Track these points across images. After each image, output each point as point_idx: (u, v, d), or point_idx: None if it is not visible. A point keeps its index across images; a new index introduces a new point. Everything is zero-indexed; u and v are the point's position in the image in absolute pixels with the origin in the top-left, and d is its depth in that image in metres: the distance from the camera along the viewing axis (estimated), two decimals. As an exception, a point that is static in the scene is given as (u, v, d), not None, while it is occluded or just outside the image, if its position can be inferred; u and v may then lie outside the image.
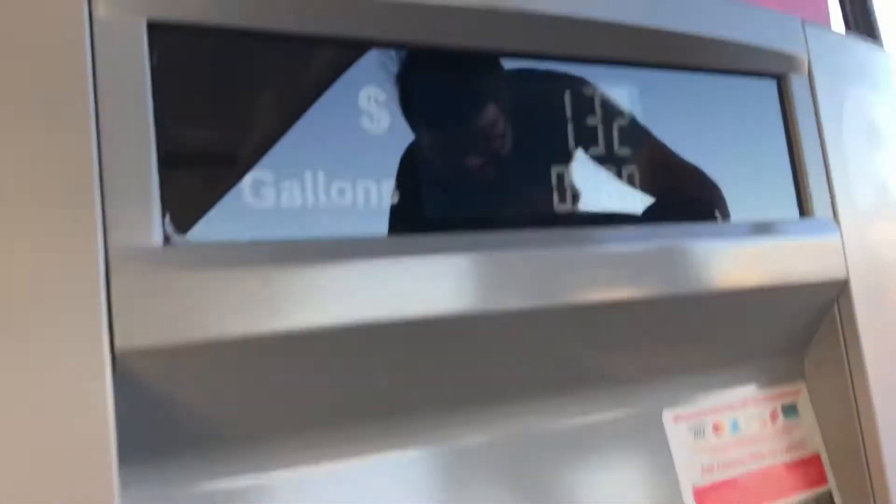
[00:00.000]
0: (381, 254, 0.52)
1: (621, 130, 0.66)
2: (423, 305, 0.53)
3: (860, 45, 0.89)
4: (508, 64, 0.61)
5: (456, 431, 0.59)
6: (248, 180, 0.50)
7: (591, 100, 0.65)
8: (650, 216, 0.66)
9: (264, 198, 0.50)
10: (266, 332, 0.47)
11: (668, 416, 0.69)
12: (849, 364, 0.77)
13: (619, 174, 0.65)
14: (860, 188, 0.79)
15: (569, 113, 0.63)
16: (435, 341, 0.54)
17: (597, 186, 0.64)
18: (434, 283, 0.53)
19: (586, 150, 0.64)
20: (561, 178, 0.62)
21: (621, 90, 0.66)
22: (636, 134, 0.66)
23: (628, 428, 0.66)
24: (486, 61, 0.60)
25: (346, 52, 0.55)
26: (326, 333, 0.48)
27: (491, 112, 0.60)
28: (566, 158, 0.63)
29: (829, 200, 0.76)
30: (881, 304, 0.78)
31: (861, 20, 0.97)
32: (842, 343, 0.77)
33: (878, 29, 0.99)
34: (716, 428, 0.71)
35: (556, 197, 0.62)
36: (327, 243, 0.51)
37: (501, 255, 0.56)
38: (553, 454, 0.61)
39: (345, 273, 0.50)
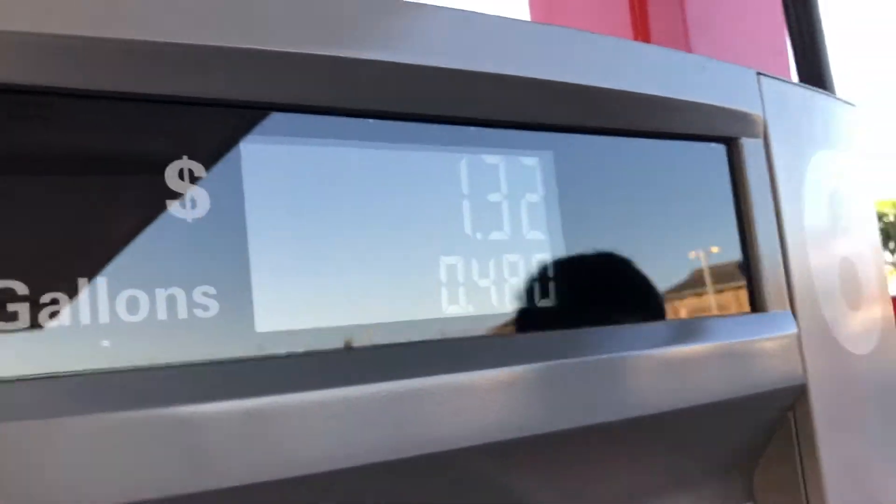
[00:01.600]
0: (185, 397, 0.37)
1: (532, 209, 0.52)
2: (287, 466, 0.39)
3: (825, 99, 0.77)
4: (379, 128, 0.47)
5: None
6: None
7: (496, 172, 0.51)
8: (564, 320, 0.52)
9: (13, 318, 0.36)
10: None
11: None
12: (804, 483, 0.65)
13: (528, 265, 0.52)
14: (822, 274, 0.67)
15: (465, 189, 0.50)
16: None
17: (500, 280, 0.50)
18: (291, 441, 0.39)
19: (487, 234, 0.51)
20: (453, 271, 0.49)
21: (532, 159, 0.53)
22: (552, 214, 0.53)
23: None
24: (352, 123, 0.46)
25: (158, 113, 0.41)
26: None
27: (357, 188, 0.46)
28: (460, 246, 0.49)
29: (787, 290, 0.63)
30: (843, 414, 0.66)
31: (814, 73, 0.86)
32: (797, 459, 0.64)
33: (831, 81, 0.88)
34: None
35: (444, 296, 0.48)
36: (105, 379, 0.37)
37: (358, 391, 0.42)
38: None
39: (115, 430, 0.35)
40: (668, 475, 0.61)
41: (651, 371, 0.54)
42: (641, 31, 1.14)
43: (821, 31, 0.89)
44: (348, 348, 0.44)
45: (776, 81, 0.68)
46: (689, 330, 0.58)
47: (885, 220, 16.23)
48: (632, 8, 1.15)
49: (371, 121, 0.46)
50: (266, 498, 0.39)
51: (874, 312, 0.74)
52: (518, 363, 0.47)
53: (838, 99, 0.80)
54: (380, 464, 0.41)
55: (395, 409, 0.42)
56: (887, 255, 15.90)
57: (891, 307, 0.78)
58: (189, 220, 0.40)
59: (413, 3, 0.49)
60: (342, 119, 0.45)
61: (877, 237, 0.77)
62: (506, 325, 0.50)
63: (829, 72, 0.87)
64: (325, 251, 0.44)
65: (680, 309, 0.59)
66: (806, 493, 0.65)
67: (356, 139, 0.45)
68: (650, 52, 0.59)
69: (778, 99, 0.68)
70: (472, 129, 0.50)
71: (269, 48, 0.42)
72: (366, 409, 0.41)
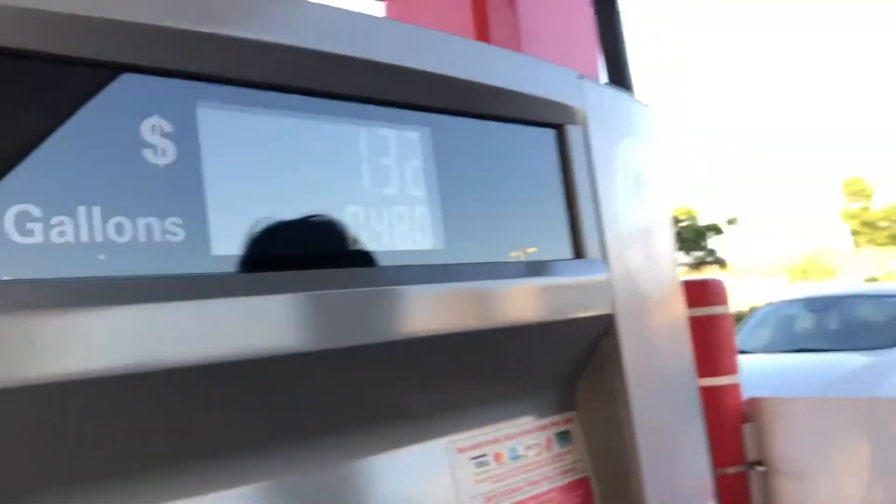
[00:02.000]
0: (161, 297, 0.50)
1: (413, 171, 0.68)
2: (208, 349, 0.51)
3: (629, 99, 0.98)
4: (303, 102, 0.61)
5: (243, 476, 0.58)
6: (10, 214, 0.46)
7: (385, 141, 0.66)
8: (441, 256, 0.68)
9: (30, 233, 0.46)
10: (25, 380, 0.43)
11: (452, 448, 0.71)
12: (615, 393, 0.84)
13: (410, 214, 0.67)
14: (627, 231, 0.87)
15: (363, 153, 0.64)
16: (219, 385, 0.53)
17: (389, 226, 0.65)
18: (220, 326, 0.51)
19: (379, 190, 0.65)
20: (354, 217, 0.63)
21: (413, 133, 0.68)
22: (428, 175, 0.68)
23: (417, 461, 0.67)
24: (286, 97, 0.60)
25: (130, 79, 0.52)
26: (95, 382, 0.45)
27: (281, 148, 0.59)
28: (359, 198, 0.64)
29: (600, 243, 0.82)
30: (643, 338, 0.86)
31: (618, 74, 1.08)
32: (608, 374, 0.83)
33: (631, 82, 1.11)
34: (497, 457, 0.75)
35: (347, 236, 0.62)
36: (102, 283, 0.48)
37: (289, 297, 0.55)
38: (349, 489, 0.61)
39: (118, 316, 0.47)
40: (512, 385, 0.78)
41: (495, 296, 0.70)
42: (482, 39, 1.33)
43: (624, 46, 1.10)
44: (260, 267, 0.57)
45: (592, 82, 0.88)
46: (525, 269, 0.75)
47: (676, 224, 17.76)
48: (475, 21, 1.34)
49: (295, 96, 0.60)
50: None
51: (664, 267, 0.95)
52: (387, 284, 0.63)
53: (637, 100, 1.01)
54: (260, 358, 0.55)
55: (287, 310, 0.56)
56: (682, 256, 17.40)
57: (675, 266, 1.00)
58: (160, 165, 0.52)
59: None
60: (274, 94, 0.58)
61: (668, 208, 0.99)
62: (394, 257, 0.65)
63: (630, 78, 1.08)
64: (262, 196, 0.57)
65: (522, 254, 0.76)
66: (617, 403, 0.84)
67: (285, 109, 0.59)
68: (500, 53, 0.76)
69: (593, 96, 0.87)
70: (371, 107, 0.64)
71: (204, 30, 0.55)
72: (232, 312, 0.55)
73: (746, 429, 2.83)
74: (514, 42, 1.31)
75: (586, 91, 0.86)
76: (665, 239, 0.96)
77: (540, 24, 1.37)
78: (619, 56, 1.10)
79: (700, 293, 2.71)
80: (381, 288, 0.62)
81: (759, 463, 2.81)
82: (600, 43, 1.11)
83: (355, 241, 0.63)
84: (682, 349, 0.96)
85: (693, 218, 18.59)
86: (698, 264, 17.16)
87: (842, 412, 2.77)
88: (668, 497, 0.87)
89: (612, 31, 1.11)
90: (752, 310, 8.24)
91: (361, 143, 0.64)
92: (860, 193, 38.95)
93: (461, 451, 0.72)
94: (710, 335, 2.65)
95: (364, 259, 0.63)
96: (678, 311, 0.98)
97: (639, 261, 0.88)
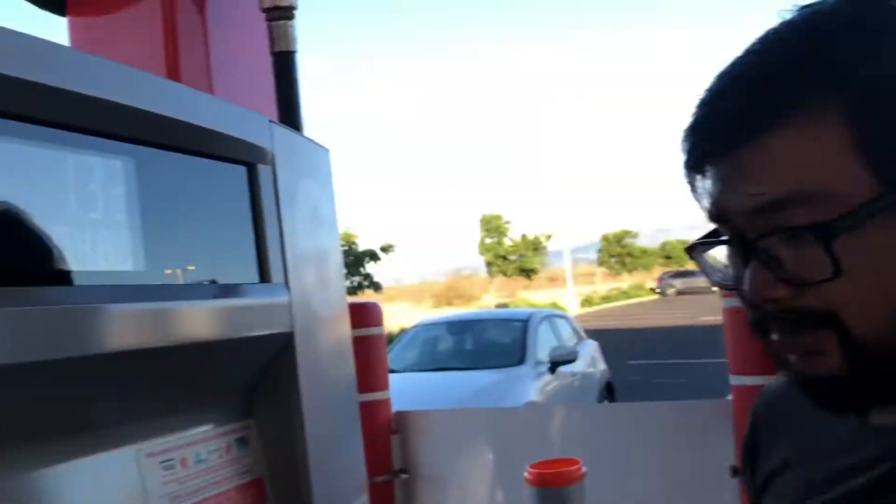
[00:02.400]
0: None
1: (115, 198, 0.73)
2: None
3: (311, 143, 1.11)
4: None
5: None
6: None
7: (91, 169, 0.71)
8: (138, 277, 0.74)
9: None
10: None
11: (142, 454, 0.77)
12: (290, 403, 0.95)
13: (111, 238, 0.72)
14: (306, 260, 0.99)
15: (70, 179, 0.69)
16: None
17: (90, 248, 0.70)
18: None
19: (84, 214, 0.70)
20: (61, 239, 0.67)
21: (117, 162, 0.74)
22: (129, 202, 0.75)
23: (109, 466, 0.72)
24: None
25: None
26: None
27: None
28: (64, 221, 0.68)
29: (283, 269, 0.94)
30: (316, 354, 0.99)
31: (291, 118, 1.22)
32: (285, 386, 0.95)
33: (301, 122, 1.26)
34: (182, 462, 0.82)
35: (46, 255, 0.66)
36: None
37: None
38: (44, 496, 0.65)
39: None
40: (200, 395, 0.86)
41: (184, 315, 0.79)
42: (173, 77, 1.38)
43: (298, 94, 1.25)
44: None
45: (281, 127, 0.99)
46: (215, 290, 0.84)
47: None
48: (167, 58, 1.39)
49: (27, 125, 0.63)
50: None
51: (335, 291, 1.09)
52: (83, 302, 0.69)
53: (318, 144, 1.14)
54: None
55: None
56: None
57: (344, 291, 1.15)
58: None
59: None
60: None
61: (338, 239, 1.13)
62: (93, 277, 0.70)
63: (301, 123, 1.23)
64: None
65: (212, 276, 0.85)
66: (291, 411, 0.96)
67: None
68: (202, 96, 0.85)
69: (281, 139, 0.99)
70: (82, 136, 0.69)
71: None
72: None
73: (394, 440, 3.10)
74: (203, 79, 1.38)
75: (276, 135, 0.97)
76: (336, 266, 1.11)
77: (228, 67, 1.45)
78: (294, 103, 1.24)
79: (359, 315, 2.94)
80: (78, 305, 0.67)
81: (404, 471, 3.10)
82: (277, 95, 1.24)
83: (53, 259, 0.67)
84: (348, 366, 1.11)
85: (353, 244, 19.41)
86: (356, 288, 17.93)
87: (471, 421, 3.17)
88: (331, 496, 1.00)
89: (288, 80, 1.25)
90: (401, 331, 8.86)
91: (67, 169, 0.69)
92: (495, 229, 43.69)
93: (150, 456, 0.78)
94: (367, 354, 2.88)
95: (62, 278, 0.68)
96: (345, 331, 1.12)
97: (315, 285, 1.01)
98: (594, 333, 10.61)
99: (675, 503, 2.66)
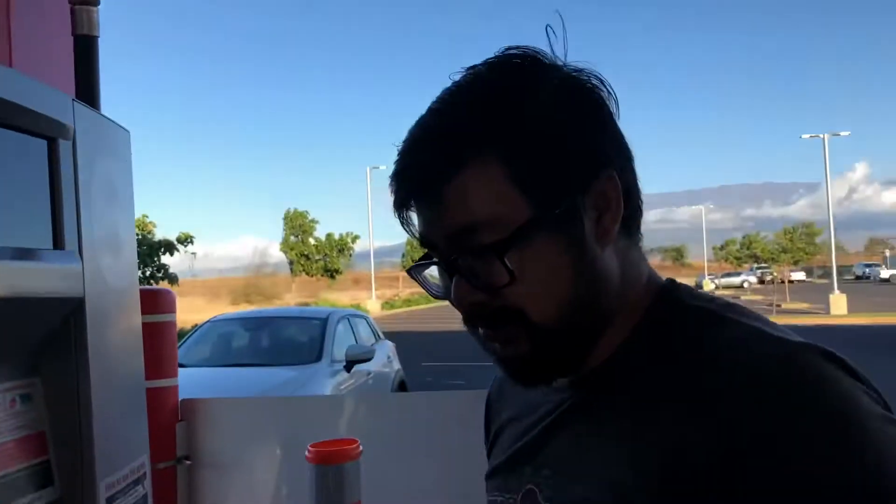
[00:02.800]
0: None
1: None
2: None
3: (111, 124, 1.18)
4: None
5: None
6: None
7: None
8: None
9: None
10: None
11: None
12: (77, 361, 1.02)
13: None
14: (100, 234, 1.06)
15: None
16: None
17: None
18: None
19: None
20: None
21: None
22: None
23: None
24: None
25: None
26: None
27: None
28: None
29: (77, 239, 1.01)
30: (107, 320, 1.07)
31: (89, 96, 1.28)
32: (73, 345, 1.02)
33: (99, 103, 1.32)
34: (-33, 411, 0.87)
35: None
36: None
37: None
38: None
39: None
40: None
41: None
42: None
43: (97, 76, 1.31)
44: None
45: (83, 106, 1.06)
46: (10, 254, 0.90)
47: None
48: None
49: None
50: None
51: (128, 268, 1.16)
52: None
53: (119, 125, 1.21)
54: None
55: None
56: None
57: (136, 269, 1.22)
58: None
59: None
60: None
61: (131, 219, 1.21)
62: None
63: (99, 103, 1.29)
64: None
65: (12, 242, 0.91)
66: (77, 370, 1.02)
67: None
68: (8, 72, 0.90)
69: (83, 117, 1.05)
70: None
71: None
72: None
73: (180, 427, 3.10)
74: (4, 57, 1.39)
75: (77, 112, 1.04)
76: (130, 245, 1.18)
77: (32, 48, 1.46)
78: (93, 84, 1.30)
79: (151, 301, 2.91)
80: None
81: (187, 457, 3.10)
82: (77, 72, 1.29)
83: None
84: (135, 342, 1.19)
85: (149, 233, 18.50)
86: (150, 279, 17.10)
87: (257, 410, 3.23)
88: (112, 448, 1.08)
89: (89, 63, 1.30)
90: (195, 326, 8.63)
91: None
92: (300, 227, 43.15)
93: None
94: (157, 340, 2.86)
95: None
96: (135, 303, 1.20)
97: (107, 257, 1.09)
98: (394, 336, 10.89)
99: (448, 482, 2.88)
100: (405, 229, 0.77)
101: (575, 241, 0.72)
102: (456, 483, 2.89)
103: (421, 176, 0.73)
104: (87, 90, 1.29)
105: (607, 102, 0.76)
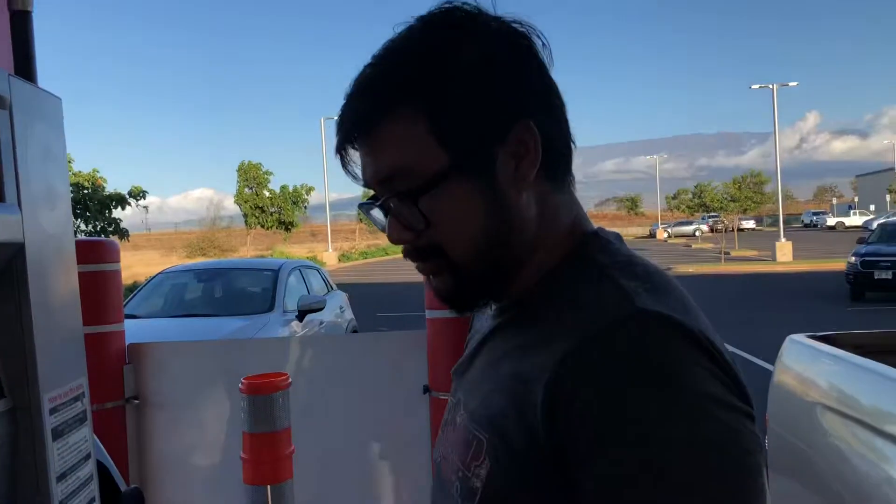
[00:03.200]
0: None
1: None
2: None
3: (44, 94, 1.35)
4: None
5: None
6: None
7: None
8: None
9: None
10: None
11: None
12: (19, 299, 1.21)
13: None
14: (37, 189, 1.25)
15: None
16: None
17: None
18: None
19: None
20: None
21: None
22: None
23: None
24: None
25: None
26: None
27: None
28: None
29: (16, 193, 1.19)
30: (45, 261, 1.25)
31: (25, 68, 1.44)
32: (16, 284, 1.20)
33: (35, 75, 1.48)
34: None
35: None
36: None
37: None
38: None
39: None
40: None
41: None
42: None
43: (32, 52, 1.47)
44: None
45: (19, 80, 1.23)
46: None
47: (82, 191, 17.45)
48: None
49: None
50: None
51: (63, 220, 1.34)
52: None
53: (51, 94, 1.38)
54: None
55: None
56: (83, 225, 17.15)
57: (70, 221, 1.40)
58: None
59: None
60: None
61: (65, 177, 1.38)
62: None
63: (35, 74, 1.45)
64: None
65: (-43, 195, 1.09)
66: (20, 307, 1.21)
67: None
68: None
69: (18, 89, 1.23)
70: None
71: None
72: None
73: (127, 370, 3.29)
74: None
75: (13, 85, 1.21)
76: (65, 199, 1.36)
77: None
78: (29, 57, 1.46)
79: (95, 250, 3.08)
80: None
81: (135, 398, 3.30)
82: (13, 46, 1.45)
83: None
84: (72, 283, 1.37)
85: (100, 187, 18.28)
86: (100, 233, 16.97)
87: (202, 352, 3.43)
88: (53, 369, 1.27)
89: (24, 37, 1.46)
90: (148, 279, 8.71)
91: None
92: (254, 179, 42.72)
93: None
94: (102, 287, 3.04)
95: None
96: (71, 254, 1.38)
97: (44, 211, 1.27)
98: (350, 287, 11.08)
99: (378, 416, 3.13)
100: (345, 171, 0.82)
101: (488, 186, 0.77)
102: (383, 412, 3.15)
103: (351, 123, 0.79)
104: (23, 61, 1.46)
105: (540, 54, 0.80)
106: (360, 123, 0.78)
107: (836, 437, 2.02)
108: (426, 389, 2.97)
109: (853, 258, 15.51)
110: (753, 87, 34.16)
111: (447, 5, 0.79)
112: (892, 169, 72.38)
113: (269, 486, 2.26)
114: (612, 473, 0.64)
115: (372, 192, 0.83)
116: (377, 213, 0.83)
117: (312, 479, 2.60)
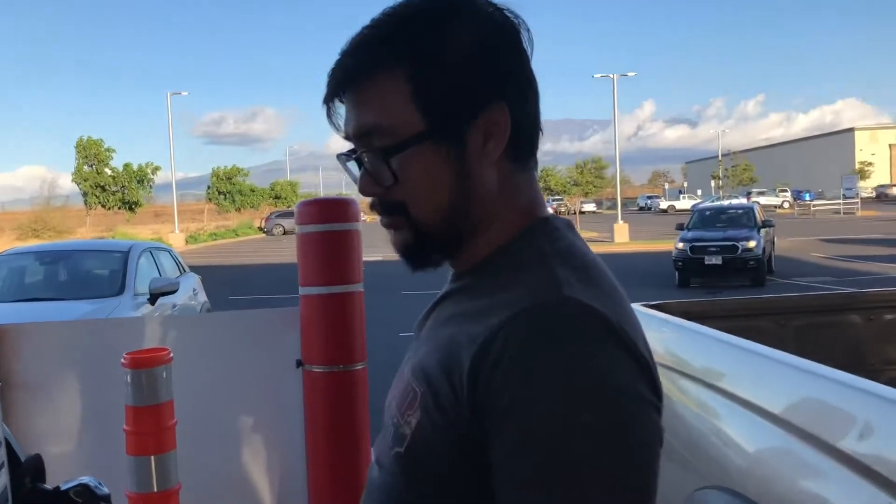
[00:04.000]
0: None
1: None
2: None
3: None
4: None
5: None
6: None
7: None
8: None
9: None
10: None
11: None
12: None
13: None
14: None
15: None
16: None
17: None
18: None
19: None
20: None
21: None
22: None
23: None
24: None
25: None
26: None
27: None
28: None
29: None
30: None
31: None
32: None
33: None
34: None
35: None
36: None
37: None
38: None
39: None
40: None
41: None
42: None
43: None
44: None
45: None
46: None
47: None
48: None
49: None
50: None
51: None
52: None
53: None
54: None
55: None
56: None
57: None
58: None
59: None
60: None
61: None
62: None
63: None
64: None
65: None
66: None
67: None
68: None
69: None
70: None
71: None
72: None
73: (-20, 353, 3.18)
74: None
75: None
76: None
77: None
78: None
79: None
80: None
81: (-3, 381, 3.21)
82: None
83: None
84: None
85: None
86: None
87: (63, 333, 3.38)
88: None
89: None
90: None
91: None
92: (95, 157, 40.24)
93: None
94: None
95: None
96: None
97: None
98: (201, 270, 10.78)
99: (251, 392, 3.22)
100: (329, 121, 0.86)
101: (457, 157, 0.81)
102: (258, 386, 3.23)
103: (340, 76, 0.83)
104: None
105: (524, 45, 0.85)
106: (349, 78, 0.82)
107: (668, 392, 2.34)
108: (299, 363, 3.08)
109: (681, 244, 15.64)
110: (596, 76, 35.90)
111: None
112: (717, 157, 78.10)
113: (152, 457, 2.32)
114: (515, 442, 0.70)
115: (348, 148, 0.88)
116: (353, 165, 0.87)
117: (191, 450, 2.67)
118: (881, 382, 1.51)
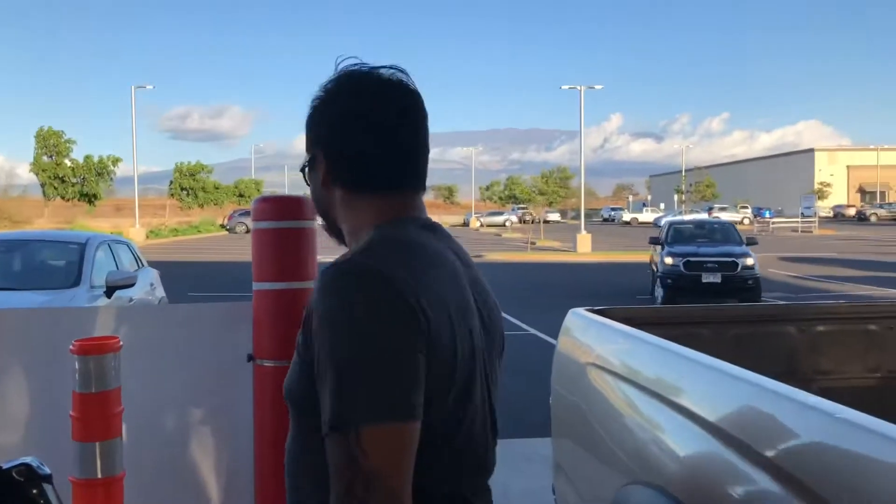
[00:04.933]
0: None
1: None
2: None
3: None
4: None
5: None
6: None
7: None
8: None
9: None
10: None
11: None
12: None
13: None
14: None
15: None
16: None
17: None
18: None
19: None
20: None
21: None
22: None
23: None
24: None
25: None
26: None
27: None
28: None
29: None
30: None
31: None
32: None
33: None
34: None
35: None
36: None
37: None
38: None
39: None
40: None
41: None
42: None
43: None
44: None
45: None
46: None
47: None
48: None
49: None
50: None
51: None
52: None
53: None
54: None
55: None
56: None
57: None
58: None
59: None
60: None
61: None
62: None
63: None
64: None
65: None
66: None
67: None
68: None
69: None
70: None
71: None
72: None
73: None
74: None
75: None
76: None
77: None
78: None
79: None
80: None
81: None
82: None
83: None
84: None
85: None
86: None
87: (13, 321, 3.36)
88: None
89: None
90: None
91: None
92: (54, 147, 39.58)
93: None
94: None
95: None
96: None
97: None
98: (161, 265, 10.68)
99: (203, 385, 3.25)
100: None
101: (316, 179, 1.23)
102: (209, 378, 3.27)
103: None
104: None
105: (399, 100, 1.21)
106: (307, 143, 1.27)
107: (603, 392, 2.43)
108: (250, 358, 3.12)
109: (669, 258, 14.01)
110: (563, 87, 36.26)
111: (356, 68, 1.22)
112: (681, 171, 79.23)
113: (97, 443, 2.35)
114: (318, 351, 1.04)
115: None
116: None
117: (139, 440, 2.69)
118: (812, 391, 1.58)
